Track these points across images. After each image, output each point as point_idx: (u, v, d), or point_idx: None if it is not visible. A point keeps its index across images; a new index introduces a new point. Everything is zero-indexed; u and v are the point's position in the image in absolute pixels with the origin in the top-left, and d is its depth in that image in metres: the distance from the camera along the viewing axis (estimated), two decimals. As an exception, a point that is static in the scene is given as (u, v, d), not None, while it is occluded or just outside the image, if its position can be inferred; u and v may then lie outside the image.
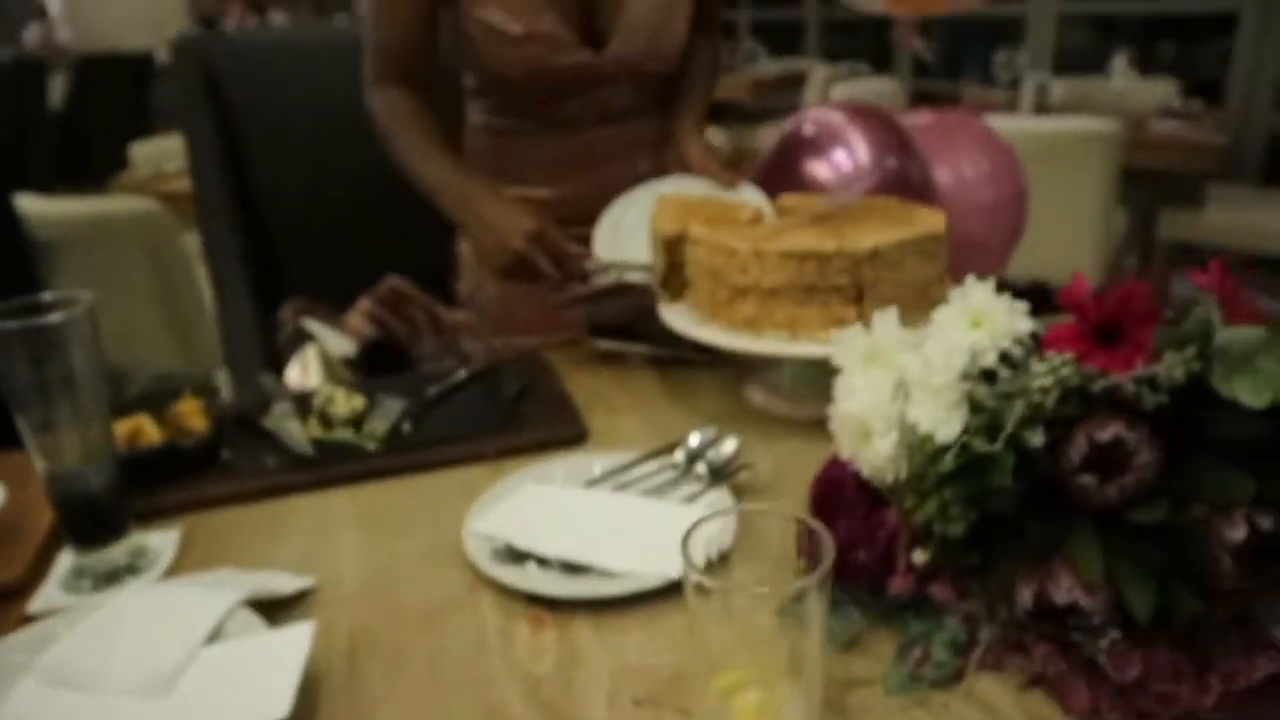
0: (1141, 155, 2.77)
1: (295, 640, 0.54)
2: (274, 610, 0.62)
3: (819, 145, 1.31)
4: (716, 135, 5.11)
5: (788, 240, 0.76)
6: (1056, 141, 2.55)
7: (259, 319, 1.50)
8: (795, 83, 4.87)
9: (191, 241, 2.24)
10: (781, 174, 1.31)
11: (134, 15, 9.79)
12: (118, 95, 6.29)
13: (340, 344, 1.41)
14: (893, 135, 1.33)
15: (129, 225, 2.16)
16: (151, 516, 0.76)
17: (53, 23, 9.51)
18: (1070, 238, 2.63)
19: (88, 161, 5.96)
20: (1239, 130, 3.66)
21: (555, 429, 0.84)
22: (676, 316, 0.85)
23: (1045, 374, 0.49)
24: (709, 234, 0.81)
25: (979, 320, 0.56)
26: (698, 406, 0.90)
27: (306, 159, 1.51)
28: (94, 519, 0.69)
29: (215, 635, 0.56)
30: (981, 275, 0.61)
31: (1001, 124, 2.65)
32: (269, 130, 1.49)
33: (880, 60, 5.53)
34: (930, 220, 0.81)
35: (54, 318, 0.65)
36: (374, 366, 1.40)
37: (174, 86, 1.48)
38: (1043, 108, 3.29)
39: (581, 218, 1.08)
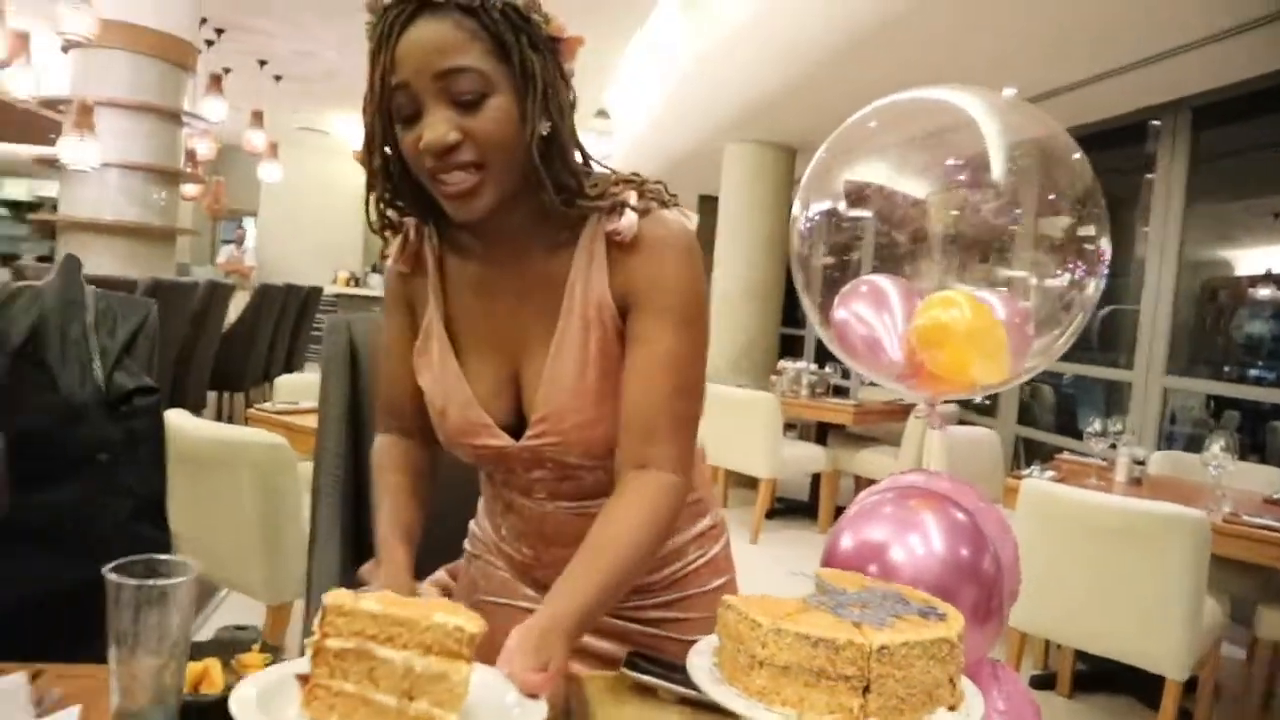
0: (1233, 546, 2.72)
1: None
2: None
3: (895, 524, 1.36)
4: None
5: (807, 622, 0.84)
6: (1142, 522, 2.55)
7: (344, 569, 1.62)
8: (898, 415, 5.04)
9: (307, 471, 2.45)
10: (855, 545, 1.37)
11: (315, 255, 11.13)
12: (284, 321, 7.02)
13: (408, 610, 1.49)
14: (969, 524, 1.38)
15: (254, 455, 2.38)
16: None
17: (245, 251, 10.96)
18: (1158, 623, 2.55)
19: (242, 375, 6.58)
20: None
21: (569, 758, 0.89)
22: (701, 671, 0.91)
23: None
24: (740, 602, 0.89)
25: (947, 753, 0.61)
26: (711, 758, 0.93)
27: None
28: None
29: None
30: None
31: (1083, 498, 2.68)
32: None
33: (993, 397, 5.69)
34: (947, 625, 0.87)
35: (163, 583, 0.77)
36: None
37: (323, 351, 1.71)
38: (1136, 480, 3.30)
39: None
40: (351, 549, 1.64)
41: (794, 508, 5.77)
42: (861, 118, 1.58)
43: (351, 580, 1.56)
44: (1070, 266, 1.49)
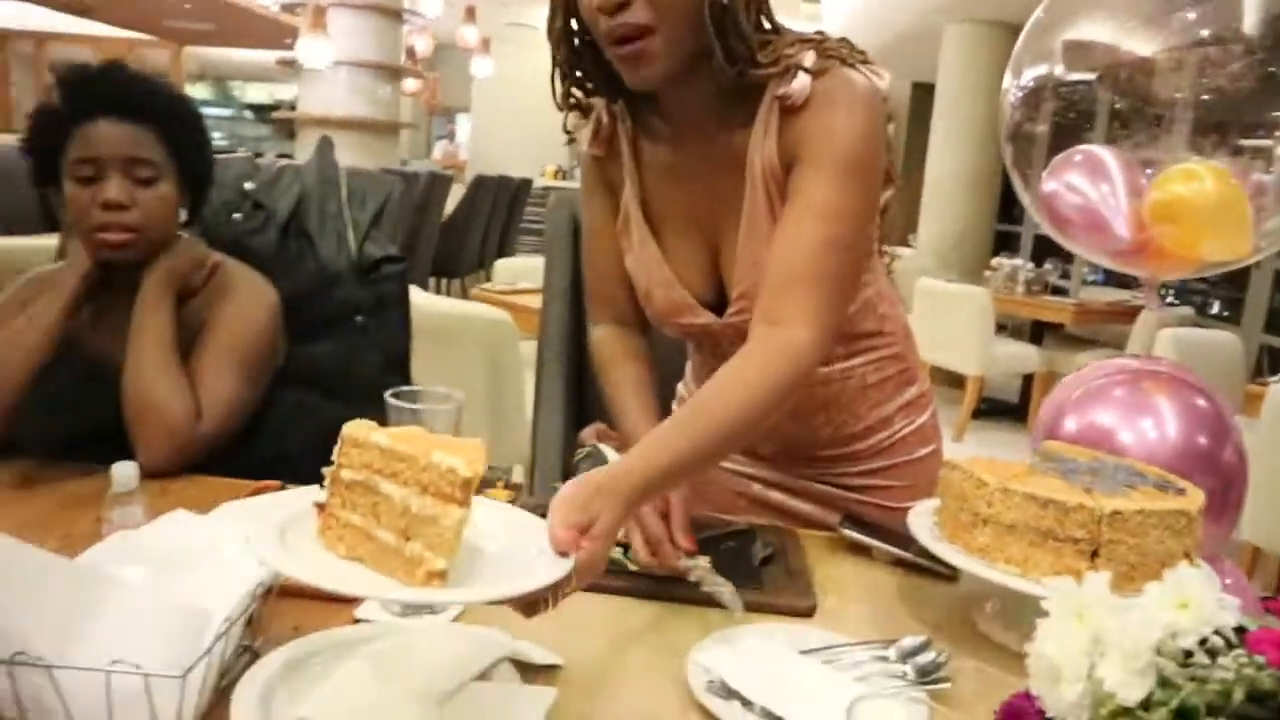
0: None
1: (539, 698, 0.70)
2: (524, 671, 0.77)
3: (1125, 407, 1.30)
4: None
5: (1035, 484, 0.83)
6: None
7: (565, 434, 1.73)
8: (1123, 316, 4.69)
9: (527, 350, 2.61)
10: (1080, 429, 1.32)
11: (522, 149, 11.46)
12: (496, 212, 7.33)
13: (626, 470, 1.60)
14: (1210, 411, 1.30)
15: (480, 328, 2.55)
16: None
17: (458, 145, 11.48)
18: None
19: (458, 263, 6.98)
20: None
21: (789, 597, 0.95)
22: (921, 529, 0.93)
23: (1231, 667, 0.53)
24: (965, 463, 0.89)
25: (1187, 603, 0.60)
26: (923, 613, 0.96)
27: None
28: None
29: (482, 675, 0.72)
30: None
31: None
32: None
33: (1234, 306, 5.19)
34: (1187, 499, 0.84)
35: (432, 407, 0.87)
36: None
37: (547, 227, 1.79)
38: None
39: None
40: (573, 416, 1.75)
41: (1000, 409, 5.56)
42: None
43: (573, 443, 1.68)
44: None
